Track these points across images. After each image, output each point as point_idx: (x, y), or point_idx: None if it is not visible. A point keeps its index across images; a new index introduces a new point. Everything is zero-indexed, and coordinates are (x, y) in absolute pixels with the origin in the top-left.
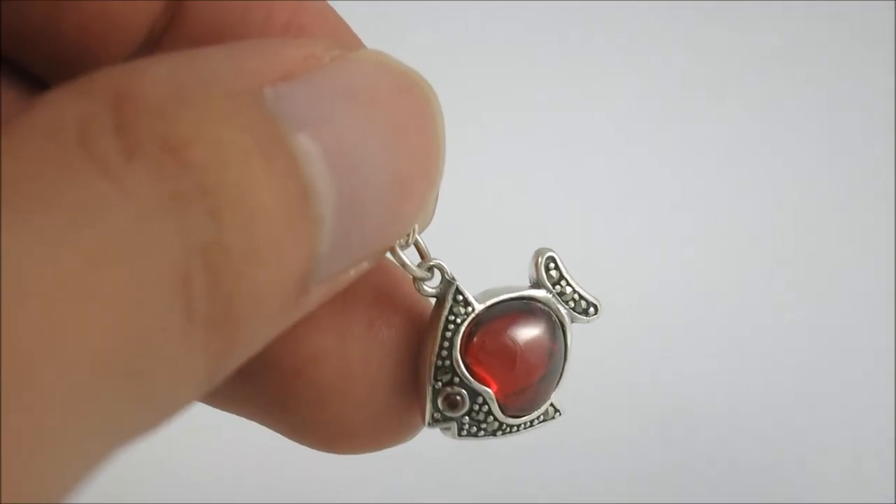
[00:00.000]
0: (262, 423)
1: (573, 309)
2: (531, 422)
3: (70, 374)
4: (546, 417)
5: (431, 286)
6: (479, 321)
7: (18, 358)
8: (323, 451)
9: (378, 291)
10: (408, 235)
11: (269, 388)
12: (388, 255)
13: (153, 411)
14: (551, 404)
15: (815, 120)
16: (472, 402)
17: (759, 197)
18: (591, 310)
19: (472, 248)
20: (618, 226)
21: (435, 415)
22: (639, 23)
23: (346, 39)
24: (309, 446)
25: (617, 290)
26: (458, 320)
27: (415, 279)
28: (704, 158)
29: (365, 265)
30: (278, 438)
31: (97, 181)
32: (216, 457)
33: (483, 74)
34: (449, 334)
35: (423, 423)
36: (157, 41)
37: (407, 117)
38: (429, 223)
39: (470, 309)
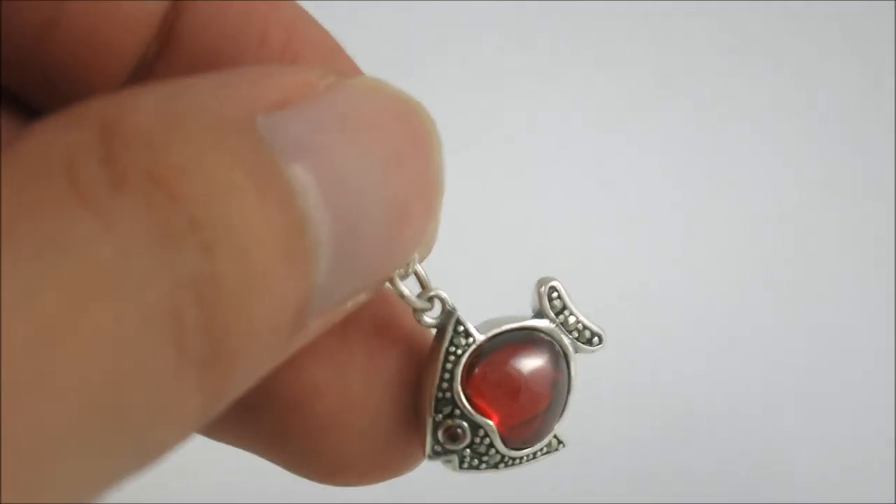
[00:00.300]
0: (260, 455)
1: (577, 339)
2: (534, 454)
3: (49, 423)
4: (549, 449)
5: (432, 317)
6: (481, 353)
7: None
8: (322, 483)
9: (378, 322)
10: (407, 265)
11: (267, 421)
12: (387, 285)
13: (145, 452)
14: (555, 436)
15: (815, 120)
16: (474, 434)
17: (759, 197)
18: (596, 339)
19: (472, 270)
20: (618, 227)
21: (435, 447)
22: (640, 22)
23: (342, 65)
24: (308, 478)
25: (617, 290)
26: (459, 352)
27: (415, 310)
28: (705, 158)
29: (363, 296)
30: None
31: (81, 214)
32: (214, 455)
33: (473, 88)
34: (450, 366)
35: (424, 456)
36: (149, 68)
37: (404, 144)
38: (429, 252)
39: (471, 340)
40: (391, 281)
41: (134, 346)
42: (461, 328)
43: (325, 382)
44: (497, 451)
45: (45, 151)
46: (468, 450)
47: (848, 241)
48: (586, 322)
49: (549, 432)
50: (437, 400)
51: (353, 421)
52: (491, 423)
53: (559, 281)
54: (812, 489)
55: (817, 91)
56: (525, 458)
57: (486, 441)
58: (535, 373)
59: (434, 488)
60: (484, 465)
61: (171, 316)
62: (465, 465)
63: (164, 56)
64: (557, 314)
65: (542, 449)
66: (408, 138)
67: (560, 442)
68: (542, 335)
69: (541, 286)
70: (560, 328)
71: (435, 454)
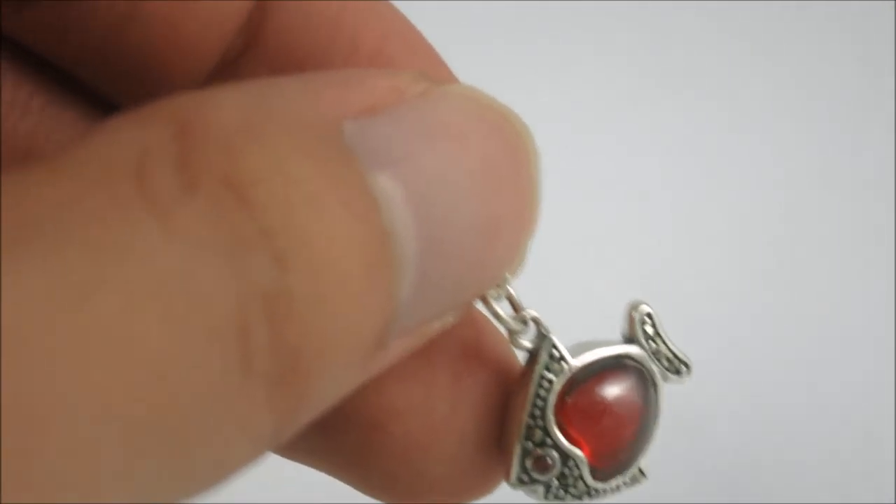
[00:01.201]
0: (339, 477)
1: (666, 368)
2: (617, 486)
3: (97, 443)
4: (632, 482)
5: (527, 339)
6: (575, 380)
7: (26, 422)
8: None
9: (464, 342)
10: (501, 285)
11: (347, 442)
12: (481, 306)
13: (209, 472)
14: (639, 468)
15: (815, 119)
16: (564, 465)
17: (760, 197)
18: (684, 369)
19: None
20: (619, 225)
21: (521, 476)
22: (639, 21)
23: (437, 72)
24: (384, 500)
25: (617, 289)
26: (554, 378)
27: (510, 332)
28: (706, 159)
29: (450, 317)
30: None
31: (146, 218)
32: None
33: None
34: (543, 392)
35: (508, 483)
36: (232, 67)
37: (498, 158)
38: (519, 271)
39: (566, 366)
40: (485, 301)
41: (192, 358)
42: (556, 353)
43: (409, 405)
44: (585, 484)
45: (117, 149)
46: (555, 480)
47: (848, 241)
48: (676, 351)
49: (634, 463)
50: (528, 427)
51: (438, 444)
52: (582, 454)
53: (651, 306)
54: (812, 489)
55: (817, 91)
56: (609, 489)
57: (576, 473)
58: (626, 402)
59: None
60: (569, 497)
61: (236, 330)
62: (551, 496)
63: (247, 56)
64: (648, 340)
65: (625, 481)
66: (502, 151)
67: (643, 474)
68: (633, 362)
69: (633, 311)
70: (650, 355)
71: (520, 483)
